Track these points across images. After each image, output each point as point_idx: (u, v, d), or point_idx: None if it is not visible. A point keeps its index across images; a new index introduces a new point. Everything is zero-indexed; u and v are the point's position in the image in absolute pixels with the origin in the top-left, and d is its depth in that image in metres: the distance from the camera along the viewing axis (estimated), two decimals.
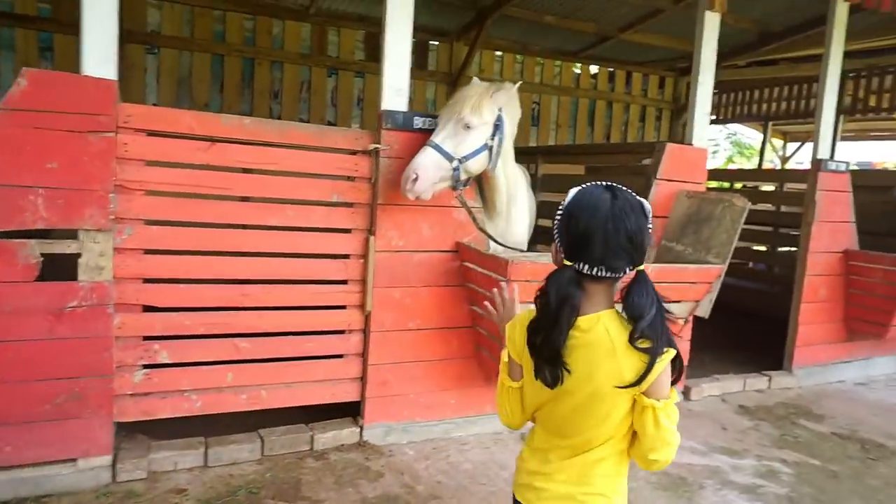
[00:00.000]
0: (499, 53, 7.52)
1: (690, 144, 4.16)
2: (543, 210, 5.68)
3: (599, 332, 1.39)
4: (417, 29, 6.99)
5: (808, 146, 12.71)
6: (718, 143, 17.64)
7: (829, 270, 4.92)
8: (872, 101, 8.91)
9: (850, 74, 9.03)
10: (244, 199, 3.13)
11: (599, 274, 1.37)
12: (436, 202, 3.31)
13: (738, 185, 8.85)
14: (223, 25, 6.15)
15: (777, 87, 10.33)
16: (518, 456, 1.63)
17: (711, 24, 4.14)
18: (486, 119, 3.19)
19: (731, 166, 17.53)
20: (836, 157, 5.67)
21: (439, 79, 7.17)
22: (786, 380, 4.92)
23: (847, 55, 8.20)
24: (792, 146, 13.46)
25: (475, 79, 3.43)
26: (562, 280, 1.40)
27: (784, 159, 13.47)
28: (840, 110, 9.40)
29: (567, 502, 1.46)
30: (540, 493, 1.50)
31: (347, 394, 3.36)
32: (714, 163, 17.27)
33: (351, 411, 3.45)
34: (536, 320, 1.45)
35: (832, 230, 4.87)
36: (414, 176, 2.98)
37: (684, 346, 4.30)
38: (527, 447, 1.60)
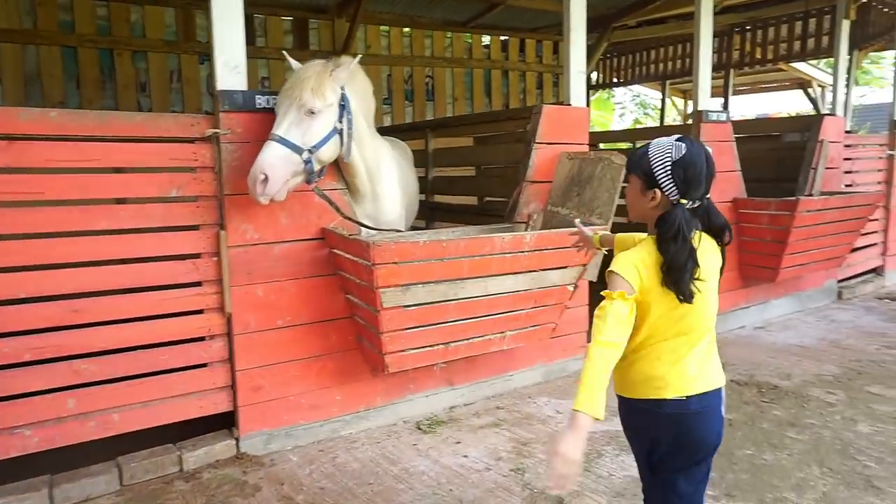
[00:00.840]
0: (385, 28, 7.22)
1: (568, 104, 4.02)
2: (439, 185, 5.52)
3: (705, 243, 1.75)
4: (295, 6, 6.71)
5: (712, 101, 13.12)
6: (625, 106, 17.97)
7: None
8: (758, 54, 9.17)
9: (736, 29, 9.26)
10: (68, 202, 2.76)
11: (699, 204, 1.74)
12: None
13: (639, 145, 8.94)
14: (71, 15, 5.58)
15: (670, 45, 10.52)
16: (636, 372, 1.77)
17: None
18: (330, 101, 2.91)
19: (639, 127, 17.94)
20: (731, 110, 5.75)
21: (323, 58, 6.78)
22: None
23: (730, 10, 8.41)
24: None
25: (315, 61, 3.04)
26: (685, 216, 1.67)
27: (686, 116, 13.81)
28: (730, 64, 9.70)
29: (704, 380, 1.77)
30: (680, 379, 1.74)
31: (217, 405, 3.07)
32: (623, 125, 17.59)
33: (229, 423, 3.17)
34: (676, 252, 1.65)
35: (719, 180, 4.86)
36: (262, 177, 2.68)
37: (580, 312, 4.22)
38: (645, 362, 1.76)
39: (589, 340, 1.73)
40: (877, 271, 6.89)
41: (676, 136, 1.74)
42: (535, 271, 3.33)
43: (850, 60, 8.00)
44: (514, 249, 3.16)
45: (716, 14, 8.26)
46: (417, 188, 4.20)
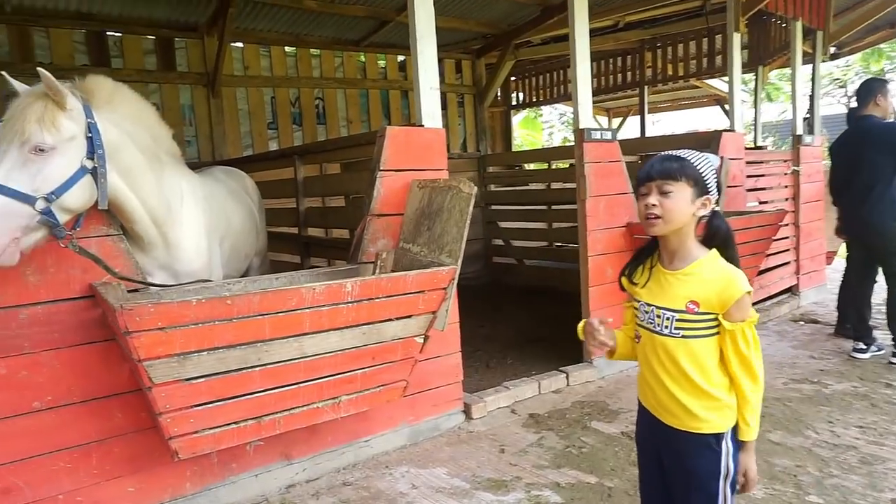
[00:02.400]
0: (265, 48, 6.67)
1: (420, 125, 3.54)
2: (313, 218, 4.96)
3: None
4: (156, 24, 6.09)
5: (633, 120, 13.03)
6: (553, 124, 17.86)
7: (614, 248, 4.54)
8: (670, 71, 9.01)
9: (647, 46, 9.09)
10: None
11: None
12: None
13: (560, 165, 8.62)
14: None
15: None
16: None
17: None
18: (69, 133, 2.28)
19: (568, 145, 17.84)
20: (652, 128, 5.45)
21: (194, 80, 6.20)
22: (586, 372, 4.49)
23: (635, 26, 8.22)
24: (617, 121, 13.72)
25: (43, 73, 2.24)
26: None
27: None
28: (644, 82, 9.52)
29: None
30: None
31: None
32: (553, 144, 17.43)
33: None
34: (734, 256, 1.79)
35: (609, 204, 4.49)
36: None
37: (451, 361, 3.70)
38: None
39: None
40: (792, 291, 6.64)
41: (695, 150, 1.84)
42: (366, 324, 2.79)
43: (757, 76, 7.89)
44: (331, 301, 2.61)
45: (621, 30, 8.12)
46: (253, 225, 3.64)
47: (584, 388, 4.38)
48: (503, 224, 8.21)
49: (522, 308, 6.77)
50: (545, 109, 16.50)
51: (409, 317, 2.93)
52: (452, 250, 3.02)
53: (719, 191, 1.78)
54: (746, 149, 5.88)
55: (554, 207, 7.47)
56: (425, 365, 3.58)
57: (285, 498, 3.03)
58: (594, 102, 4.72)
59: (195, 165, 4.66)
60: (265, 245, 4.05)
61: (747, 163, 5.74)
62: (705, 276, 1.75)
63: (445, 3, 6.36)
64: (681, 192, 1.74)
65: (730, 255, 1.78)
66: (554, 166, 8.57)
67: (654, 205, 1.76)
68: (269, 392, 2.62)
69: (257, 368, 2.54)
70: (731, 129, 5.57)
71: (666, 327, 1.82)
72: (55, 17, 5.52)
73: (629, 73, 9.58)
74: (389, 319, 2.85)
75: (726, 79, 5.81)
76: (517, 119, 16.60)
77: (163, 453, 2.77)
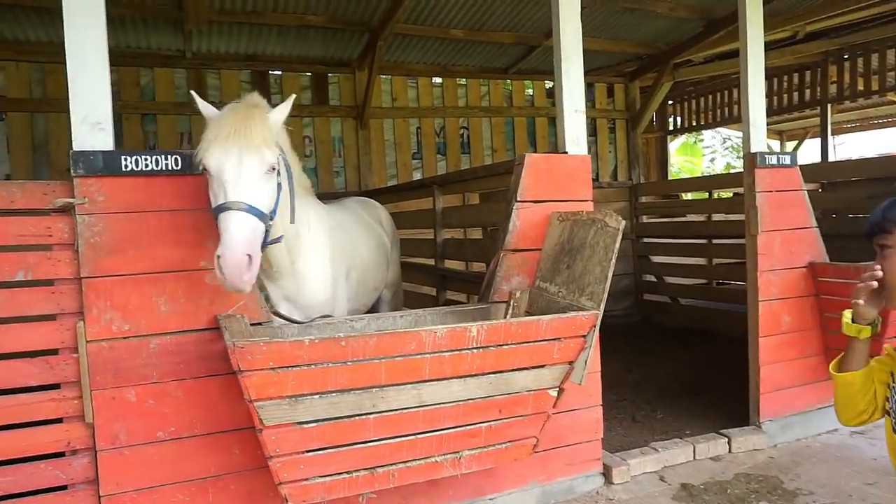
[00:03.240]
0: (412, 80, 6.72)
1: (564, 152, 3.21)
2: (451, 249, 4.81)
3: None
4: (312, 61, 6.38)
5: (810, 143, 11.59)
6: (716, 149, 16.50)
7: (792, 292, 3.85)
8: (861, 85, 7.84)
9: (831, 59, 8.00)
10: None
11: None
12: (175, 264, 2.45)
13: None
14: None
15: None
16: None
17: None
18: (277, 152, 2.36)
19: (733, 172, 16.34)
20: (836, 150, 4.71)
21: (344, 113, 6.38)
22: (753, 439, 3.81)
23: (819, 35, 7.24)
24: (791, 145, 12.30)
25: (239, 103, 2.43)
26: None
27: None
28: (826, 99, 8.37)
29: None
30: None
31: None
32: (715, 171, 16.09)
33: None
34: None
35: (787, 240, 3.82)
36: (247, 259, 2.11)
37: (589, 415, 3.28)
38: None
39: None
40: None
41: None
42: (493, 373, 2.50)
43: None
44: (454, 346, 2.36)
45: (800, 42, 7.19)
46: (384, 257, 3.52)
47: (751, 457, 3.71)
48: (656, 258, 7.54)
49: (676, 353, 6.07)
50: (706, 134, 15.30)
51: (543, 367, 2.60)
52: (594, 293, 2.65)
53: None
54: None
55: (715, 241, 6.72)
56: (560, 418, 3.20)
57: None
58: (767, 125, 4.10)
59: (342, 195, 4.74)
60: (398, 278, 3.93)
61: None
62: None
63: (596, 23, 5.99)
64: None
65: None
66: (716, 195, 7.77)
67: (875, 270, 1.41)
68: (384, 442, 2.42)
69: (372, 416, 2.35)
70: None
71: None
72: (226, 60, 5.97)
73: (808, 91, 8.48)
74: (519, 369, 2.54)
75: None
76: (675, 145, 15.60)
77: (277, 494, 2.67)
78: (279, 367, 2.13)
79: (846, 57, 7.83)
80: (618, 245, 2.62)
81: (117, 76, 5.63)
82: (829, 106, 8.42)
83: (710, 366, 5.35)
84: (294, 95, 2.59)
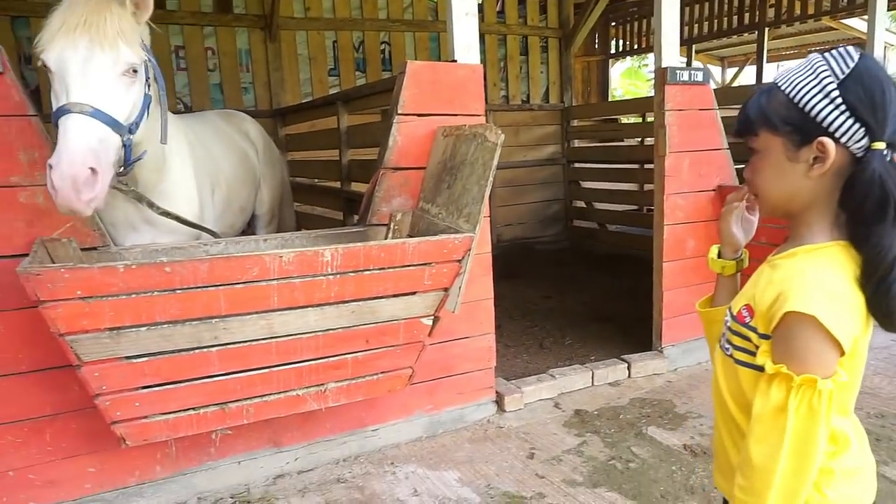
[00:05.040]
0: None
1: (453, 61, 2.92)
2: (355, 171, 4.50)
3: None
4: None
5: (751, 69, 11.48)
6: None
7: (699, 216, 3.74)
8: (797, 9, 7.65)
9: None
10: None
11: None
12: None
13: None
14: None
15: (695, 4, 9.01)
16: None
17: None
18: (142, 53, 2.01)
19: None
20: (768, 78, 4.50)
21: (250, 23, 5.83)
22: (653, 364, 3.78)
23: None
24: (732, 71, 12.20)
25: None
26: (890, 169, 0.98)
27: (726, 85, 12.18)
28: (764, 23, 8.17)
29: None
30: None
31: None
32: None
33: None
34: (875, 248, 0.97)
35: (696, 162, 3.68)
36: (87, 172, 1.76)
37: (482, 342, 3.15)
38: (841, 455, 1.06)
39: None
40: None
41: (827, 49, 1.07)
42: (354, 301, 2.29)
43: None
44: (305, 272, 2.13)
45: None
46: (252, 174, 3.22)
47: (649, 382, 3.69)
48: (586, 184, 7.40)
49: (599, 279, 6.03)
50: (652, 59, 15.00)
51: (413, 294, 2.40)
52: (471, 214, 2.43)
53: (873, 114, 0.99)
54: None
55: (647, 167, 6.58)
56: (450, 346, 3.07)
57: (268, 491, 2.65)
58: (704, 49, 3.87)
59: (252, 114, 4.33)
60: (274, 201, 3.61)
61: None
62: (780, 273, 1.06)
63: None
64: (767, 151, 1.10)
65: (876, 241, 0.98)
66: (650, 120, 7.60)
67: (747, 179, 1.16)
68: (233, 376, 2.21)
69: (215, 348, 2.13)
70: None
71: (724, 335, 1.20)
72: None
73: (747, 14, 8.25)
74: (386, 297, 2.34)
75: (867, 17, 4.68)
76: (619, 70, 15.29)
77: None
78: (90, 297, 1.86)
79: None
80: (495, 162, 2.39)
81: None
82: (766, 30, 8.23)
83: (627, 291, 5.32)
84: None
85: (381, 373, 2.52)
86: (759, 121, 1.10)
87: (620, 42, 10.07)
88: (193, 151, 2.64)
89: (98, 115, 1.83)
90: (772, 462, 0.97)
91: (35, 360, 2.29)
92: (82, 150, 1.77)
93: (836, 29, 9.15)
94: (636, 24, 9.56)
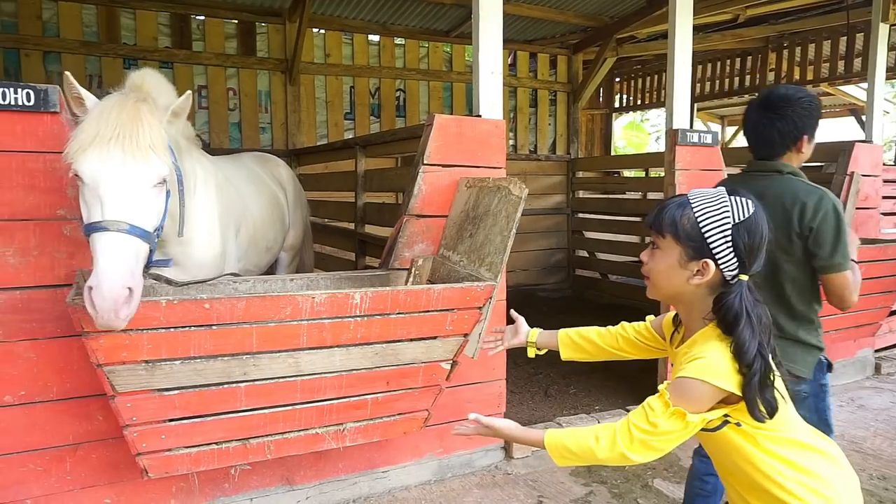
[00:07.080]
0: (347, 36, 6.42)
1: (478, 116, 3.06)
2: (371, 214, 4.62)
3: None
4: (239, 8, 5.97)
5: None
6: (661, 129, 16.69)
7: None
8: (797, 74, 7.94)
9: (771, 46, 8.07)
10: None
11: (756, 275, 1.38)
12: (25, 212, 2.20)
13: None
14: None
15: (698, 64, 9.32)
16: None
17: None
18: (170, 160, 2.03)
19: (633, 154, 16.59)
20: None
21: (272, 66, 6.04)
22: None
23: (759, 21, 7.26)
24: (732, 130, 12.53)
25: (120, 94, 2.02)
26: (749, 299, 1.33)
27: (724, 144, 12.50)
28: (765, 85, 8.46)
29: None
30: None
31: None
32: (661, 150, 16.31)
33: None
34: (746, 353, 1.28)
35: None
36: (127, 292, 1.76)
37: (492, 388, 3.20)
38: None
39: None
40: None
41: (723, 188, 1.40)
42: (378, 343, 2.36)
43: None
44: (335, 313, 2.20)
45: (741, 26, 7.20)
46: (280, 215, 3.32)
47: None
48: (590, 234, 7.55)
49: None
50: (653, 114, 15.41)
51: (434, 338, 2.48)
52: (493, 263, 2.53)
53: (748, 255, 1.33)
54: (885, 166, 4.92)
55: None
56: (462, 391, 3.12)
57: None
58: (707, 108, 4.06)
59: (269, 153, 4.46)
60: (299, 241, 3.72)
61: (885, 182, 4.79)
62: (687, 357, 1.38)
63: None
64: (667, 251, 1.39)
65: (737, 345, 1.29)
66: (653, 174, 7.80)
67: (644, 261, 1.45)
68: (257, 412, 2.26)
69: (243, 384, 2.18)
70: (868, 141, 4.66)
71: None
72: None
73: (748, 77, 8.56)
74: (409, 340, 2.41)
75: (865, 85, 4.89)
76: (622, 123, 15.67)
77: None
78: (132, 330, 1.93)
79: (786, 45, 7.92)
80: (519, 214, 2.50)
81: (14, 6, 5.15)
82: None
83: None
84: (190, 92, 2.11)
85: (399, 414, 2.57)
86: (670, 228, 1.37)
87: (624, 97, 10.39)
88: (220, 192, 2.71)
89: (133, 230, 1.83)
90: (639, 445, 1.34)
91: (64, 389, 2.33)
92: (122, 272, 1.75)
93: (833, 95, 9.50)
94: (640, 80, 9.89)
